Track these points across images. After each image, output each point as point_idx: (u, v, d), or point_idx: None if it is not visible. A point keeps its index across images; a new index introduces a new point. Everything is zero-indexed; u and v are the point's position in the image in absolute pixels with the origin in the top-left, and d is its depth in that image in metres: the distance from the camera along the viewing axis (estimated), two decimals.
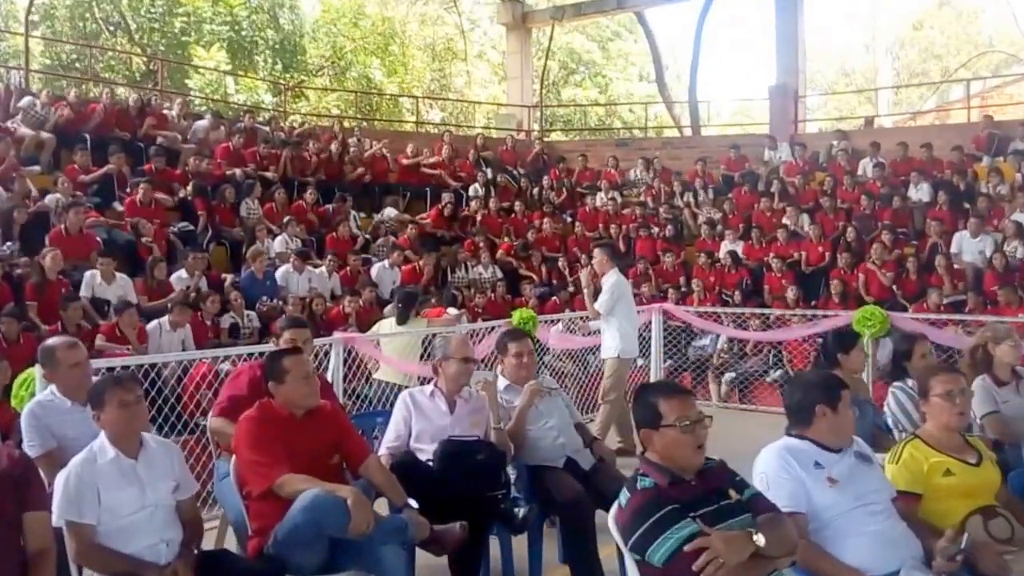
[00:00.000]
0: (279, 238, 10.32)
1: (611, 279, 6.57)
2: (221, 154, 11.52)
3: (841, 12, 26.70)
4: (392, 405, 6.28)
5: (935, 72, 24.68)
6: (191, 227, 10.03)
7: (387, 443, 3.86)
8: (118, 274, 8.25)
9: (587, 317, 7.82)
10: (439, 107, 25.87)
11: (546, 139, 17.16)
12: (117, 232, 9.23)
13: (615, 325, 6.58)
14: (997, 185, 10.66)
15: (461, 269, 11.34)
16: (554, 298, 11.28)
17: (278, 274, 9.51)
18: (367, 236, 11.51)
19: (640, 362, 8.31)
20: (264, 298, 9.06)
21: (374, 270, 10.37)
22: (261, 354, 4.37)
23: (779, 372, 9.59)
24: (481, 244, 11.78)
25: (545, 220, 12.80)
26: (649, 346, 8.61)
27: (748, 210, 12.60)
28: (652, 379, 8.91)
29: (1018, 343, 4.04)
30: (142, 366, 4.84)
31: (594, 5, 17.75)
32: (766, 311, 9.46)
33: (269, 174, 11.63)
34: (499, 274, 11.57)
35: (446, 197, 12.94)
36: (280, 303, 8.98)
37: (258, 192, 10.97)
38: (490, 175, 14.11)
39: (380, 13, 25.74)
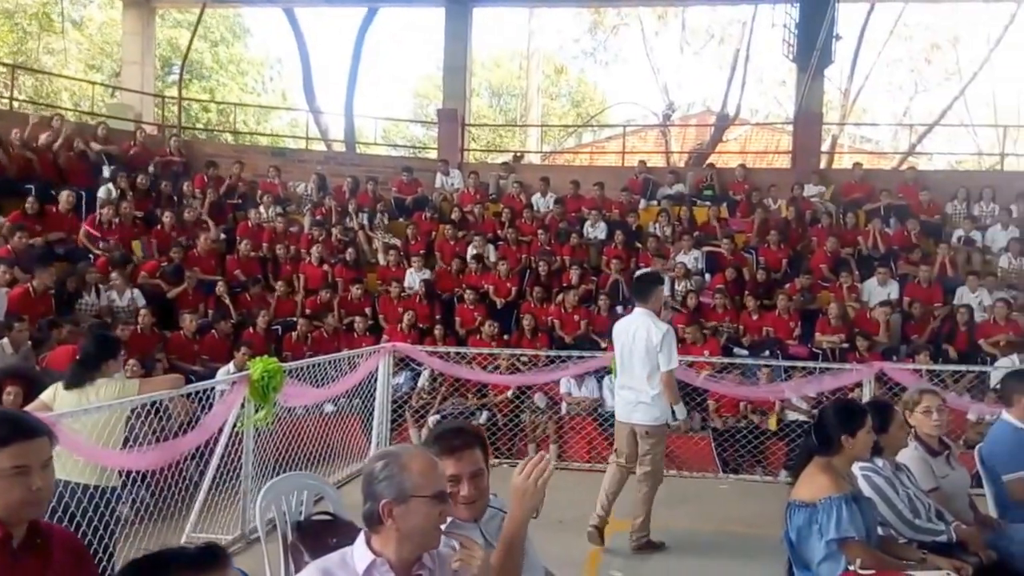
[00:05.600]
0: None
1: None
2: None
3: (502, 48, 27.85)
4: (86, 516, 4.13)
5: (571, 116, 27.06)
6: None
7: None
8: None
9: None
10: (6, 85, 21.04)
11: (184, 138, 14.54)
12: None
13: None
14: (665, 227, 11.37)
15: (91, 293, 8.66)
16: (213, 331, 9.22)
17: None
18: None
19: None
20: None
21: None
22: None
23: (485, 415, 8.89)
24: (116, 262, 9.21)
25: (202, 236, 10.54)
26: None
27: (429, 237, 11.87)
28: (375, 431, 7.58)
29: (932, 408, 3.63)
30: None
31: None
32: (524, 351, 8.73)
33: None
34: (142, 300, 9.12)
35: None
36: None
37: None
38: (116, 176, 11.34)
39: None
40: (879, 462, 3.32)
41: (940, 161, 21.45)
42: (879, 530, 3.19)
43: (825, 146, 16.25)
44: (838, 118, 20.79)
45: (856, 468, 3.25)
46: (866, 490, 3.22)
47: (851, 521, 2.98)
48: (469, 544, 2.22)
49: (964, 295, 9.95)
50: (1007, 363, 8.20)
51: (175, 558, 1.69)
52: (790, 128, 15.00)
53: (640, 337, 5.28)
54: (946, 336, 9.51)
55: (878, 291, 10.24)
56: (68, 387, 4.30)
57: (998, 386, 5.45)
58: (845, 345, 9.35)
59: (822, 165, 14.42)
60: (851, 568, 2.93)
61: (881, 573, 2.93)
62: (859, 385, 7.57)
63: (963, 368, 8.13)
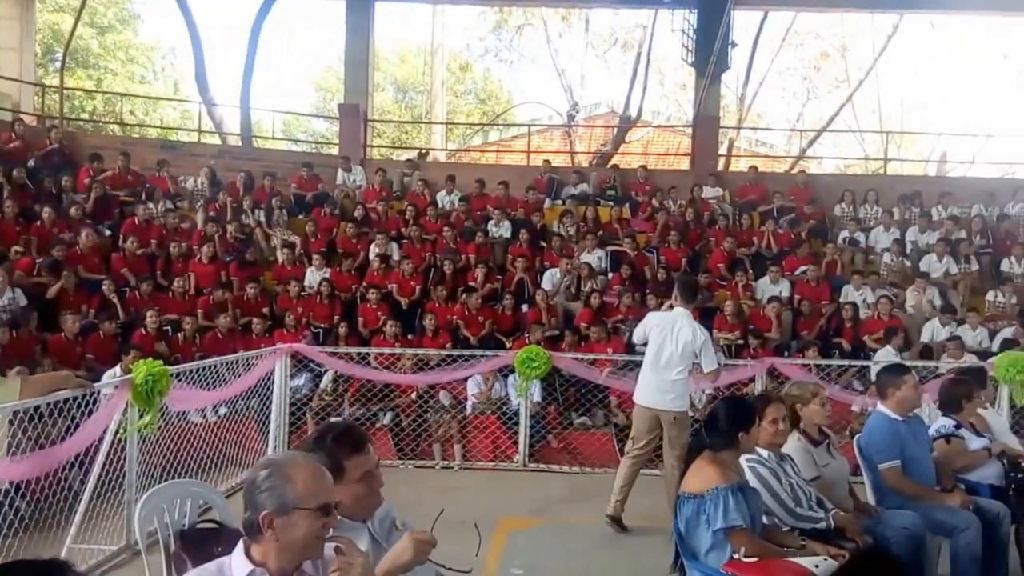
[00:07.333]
0: None
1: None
2: None
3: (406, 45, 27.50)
4: None
5: (477, 114, 26.98)
6: None
7: None
8: None
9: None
10: None
11: (67, 129, 13.77)
12: None
13: None
14: (569, 226, 11.48)
15: None
16: (99, 332, 8.76)
17: None
18: None
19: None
20: None
21: None
22: None
23: (389, 416, 8.75)
24: None
25: (84, 232, 9.97)
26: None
27: (330, 235, 11.61)
28: (272, 435, 7.34)
29: (826, 402, 3.81)
30: None
31: None
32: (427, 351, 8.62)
33: None
34: (23, 300, 8.57)
35: None
36: None
37: None
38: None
39: None
40: (764, 453, 3.44)
41: (829, 165, 22.56)
42: (763, 519, 3.30)
43: (722, 149, 16.81)
44: (735, 122, 21.53)
45: (743, 459, 3.36)
46: (752, 481, 3.33)
47: (737, 510, 3.07)
48: (348, 549, 2.15)
49: (849, 293, 10.45)
50: (885, 355, 8.67)
51: (14, 569, 1.68)
52: (690, 131, 15.40)
53: (684, 335, 5.79)
54: (834, 331, 9.98)
55: (771, 289, 10.64)
56: None
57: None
58: (741, 341, 9.67)
59: (719, 168, 14.90)
60: (736, 556, 3.02)
61: (763, 560, 3.03)
62: (752, 380, 7.85)
63: (847, 363, 8.55)
